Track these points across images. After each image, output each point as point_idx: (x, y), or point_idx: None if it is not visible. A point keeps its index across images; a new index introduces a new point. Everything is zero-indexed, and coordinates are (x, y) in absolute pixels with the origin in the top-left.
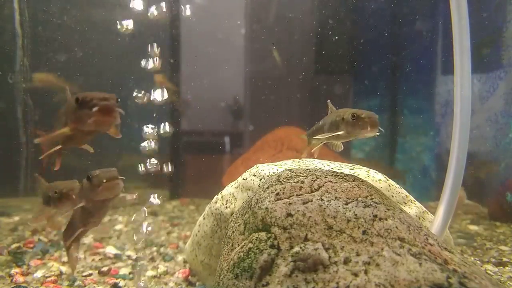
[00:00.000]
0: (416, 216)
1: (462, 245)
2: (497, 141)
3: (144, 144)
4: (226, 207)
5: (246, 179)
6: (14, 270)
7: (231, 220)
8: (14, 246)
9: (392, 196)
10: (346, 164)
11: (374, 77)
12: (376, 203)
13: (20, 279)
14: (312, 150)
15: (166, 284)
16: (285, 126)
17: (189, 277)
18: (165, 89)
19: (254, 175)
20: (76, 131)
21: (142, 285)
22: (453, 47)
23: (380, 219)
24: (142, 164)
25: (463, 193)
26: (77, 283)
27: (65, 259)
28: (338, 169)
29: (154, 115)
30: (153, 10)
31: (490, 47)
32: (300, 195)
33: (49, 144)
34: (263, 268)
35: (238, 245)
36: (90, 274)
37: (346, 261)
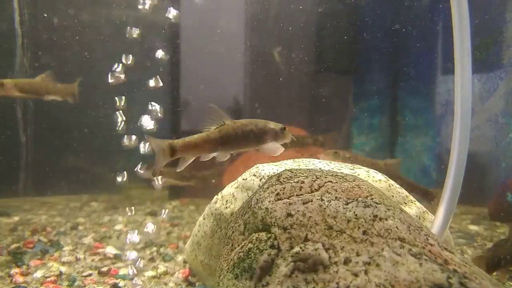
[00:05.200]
0: (416, 216)
1: (462, 245)
2: (497, 141)
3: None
4: (226, 207)
5: (246, 179)
6: (14, 270)
7: (231, 220)
8: (13, 246)
9: (392, 196)
10: (346, 164)
11: (374, 76)
12: (376, 203)
13: (20, 279)
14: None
15: (166, 284)
16: (285, 126)
17: (189, 277)
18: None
19: (254, 175)
20: None
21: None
22: (454, 47)
23: (380, 219)
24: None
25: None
26: (77, 283)
27: (65, 259)
28: (338, 169)
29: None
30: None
31: (491, 47)
32: (300, 195)
33: None
34: (263, 268)
35: (238, 245)
36: (90, 274)
37: (346, 261)
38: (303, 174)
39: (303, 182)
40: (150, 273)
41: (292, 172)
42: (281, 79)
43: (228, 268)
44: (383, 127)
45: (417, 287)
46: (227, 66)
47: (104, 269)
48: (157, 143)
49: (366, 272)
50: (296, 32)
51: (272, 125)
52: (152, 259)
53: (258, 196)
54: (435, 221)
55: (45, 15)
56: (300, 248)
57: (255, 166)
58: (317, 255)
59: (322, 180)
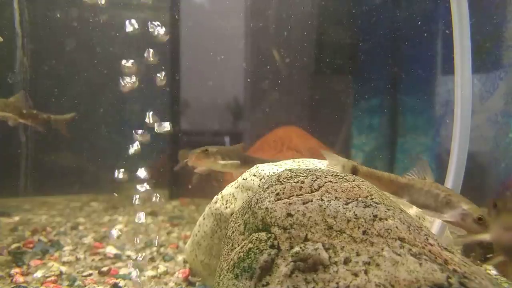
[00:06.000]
0: (416, 216)
1: (462, 245)
2: (497, 141)
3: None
4: (226, 207)
5: (246, 179)
6: (14, 270)
7: (231, 220)
8: (14, 246)
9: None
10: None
11: (374, 77)
12: (376, 203)
13: (20, 279)
14: None
15: (166, 284)
16: (285, 126)
17: (189, 277)
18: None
19: (254, 175)
20: None
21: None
22: (454, 47)
23: (380, 219)
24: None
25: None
26: (77, 283)
27: (65, 259)
28: None
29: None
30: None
31: (490, 47)
32: (300, 195)
33: None
34: (263, 268)
35: (238, 245)
36: (90, 274)
37: (346, 261)
38: (303, 174)
39: (303, 182)
40: (150, 272)
41: (292, 172)
42: (279, 81)
43: (228, 268)
44: (383, 127)
45: (417, 287)
46: (226, 66)
47: (104, 269)
48: (339, 160)
49: (366, 272)
50: (296, 32)
51: (466, 205)
52: (152, 259)
53: (258, 196)
54: (435, 221)
55: (55, 15)
56: (300, 248)
57: (255, 166)
58: (317, 255)
59: (322, 180)
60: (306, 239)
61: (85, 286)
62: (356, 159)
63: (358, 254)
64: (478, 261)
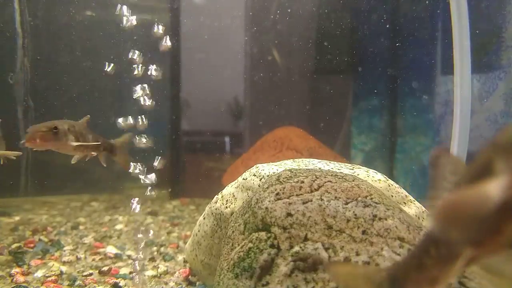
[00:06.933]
0: (416, 216)
1: None
2: None
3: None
4: (226, 207)
5: (246, 179)
6: (15, 270)
7: (231, 220)
8: (14, 246)
9: (392, 196)
10: (346, 164)
11: (373, 77)
12: (376, 203)
13: (21, 278)
14: None
15: (166, 283)
16: (285, 126)
17: (189, 276)
18: None
19: (254, 175)
20: None
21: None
22: (453, 47)
23: (380, 219)
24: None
25: None
26: (77, 282)
27: (65, 258)
28: (338, 169)
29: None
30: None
31: (490, 47)
32: (300, 195)
33: None
34: (263, 267)
35: (238, 244)
36: (90, 274)
37: (346, 261)
38: (302, 174)
39: (302, 182)
40: (150, 272)
41: (292, 172)
42: (279, 81)
43: (228, 268)
44: (383, 127)
45: None
46: (226, 66)
47: (105, 268)
48: None
49: None
50: (295, 32)
51: None
52: (152, 259)
53: (258, 196)
54: None
55: (56, 15)
56: (300, 247)
57: (255, 166)
58: (317, 255)
59: (321, 180)
60: (306, 239)
61: (86, 285)
62: (355, 159)
63: (357, 254)
64: None
